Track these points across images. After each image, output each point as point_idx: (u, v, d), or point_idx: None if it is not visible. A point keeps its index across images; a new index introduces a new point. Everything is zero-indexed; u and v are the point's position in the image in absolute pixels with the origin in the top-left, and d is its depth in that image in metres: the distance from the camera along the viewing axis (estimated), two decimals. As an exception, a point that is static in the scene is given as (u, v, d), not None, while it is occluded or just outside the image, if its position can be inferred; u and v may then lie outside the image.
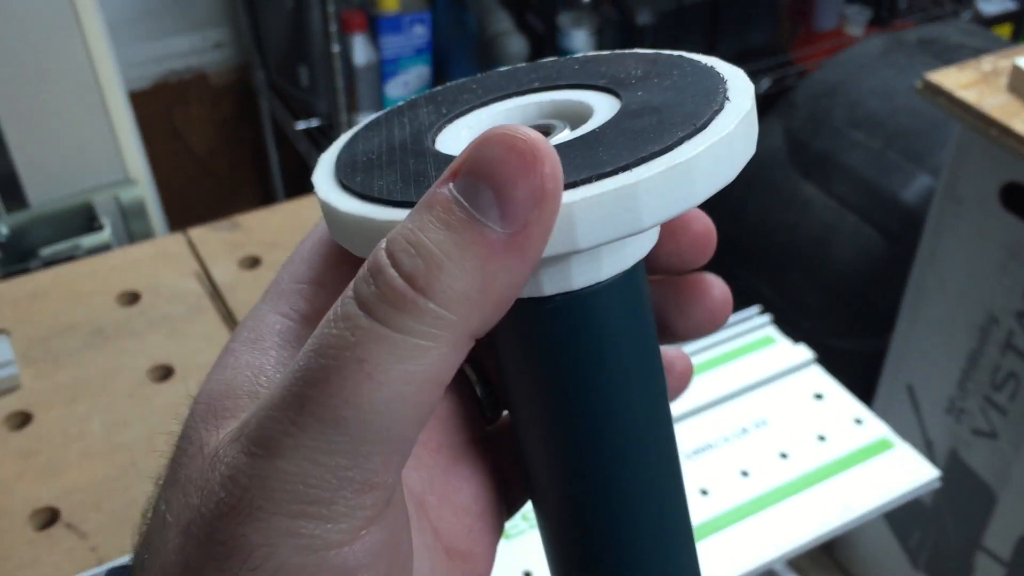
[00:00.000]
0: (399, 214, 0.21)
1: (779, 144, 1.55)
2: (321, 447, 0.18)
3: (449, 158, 0.23)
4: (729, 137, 0.21)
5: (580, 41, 1.59)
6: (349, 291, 0.19)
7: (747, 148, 0.22)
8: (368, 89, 1.55)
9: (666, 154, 0.20)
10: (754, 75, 1.70)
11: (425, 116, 0.26)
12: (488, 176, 0.19)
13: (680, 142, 0.21)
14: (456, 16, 1.56)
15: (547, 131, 0.24)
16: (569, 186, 0.20)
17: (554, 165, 0.19)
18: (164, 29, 1.66)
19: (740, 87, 0.23)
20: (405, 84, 1.58)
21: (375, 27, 1.52)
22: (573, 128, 0.24)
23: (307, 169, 1.69)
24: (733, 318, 0.77)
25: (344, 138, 0.27)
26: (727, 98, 0.22)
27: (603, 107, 0.24)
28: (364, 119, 0.27)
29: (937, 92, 1.03)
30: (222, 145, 1.82)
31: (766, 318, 0.77)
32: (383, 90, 1.57)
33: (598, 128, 0.23)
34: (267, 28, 1.64)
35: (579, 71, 0.26)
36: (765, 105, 1.69)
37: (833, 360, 0.86)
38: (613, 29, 1.58)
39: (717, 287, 0.27)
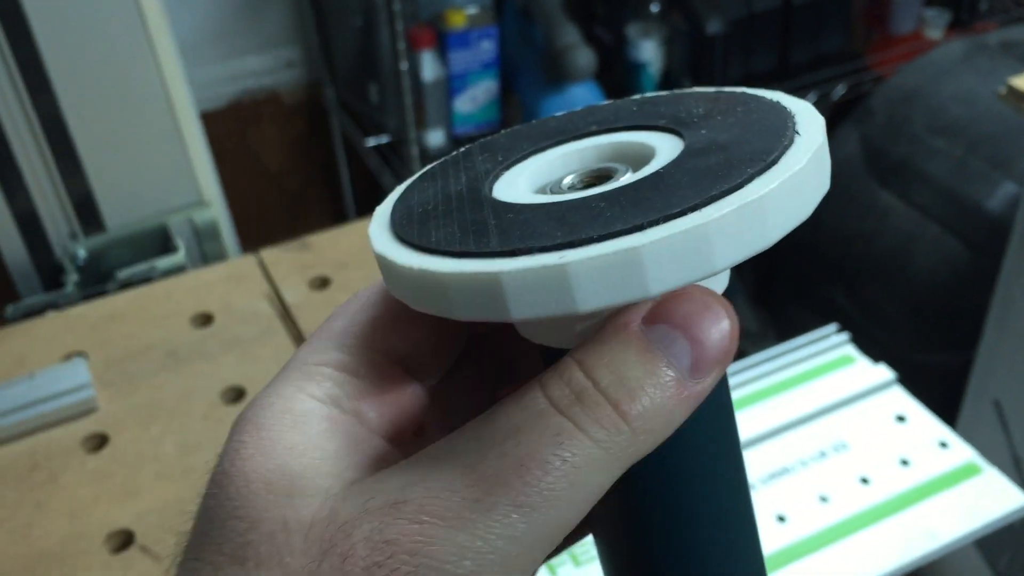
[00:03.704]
0: (458, 265, 0.20)
1: (856, 152, 1.52)
2: (503, 530, 0.20)
3: (508, 206, 0.22)
4: (802, 172, 0.20)
5: (649, 52, 1.57)
6: (536, 391, 0.21)
7: (821, 184, 0.21)
8: (436, 105, 1.56)
9: (736, 192, 0.20)
10: (828, 81, 1.66)
11: (481, 164, 0.25)
12: (687, 330, 0.21)
13: (750, 179, 0.20)
14: (523, 30, 1.56)
15: (609, 175, 0.23)
16: (636, 229, 0.19)
17: (737, 328, 0.21)
18: (237, 49, 1.69)
19: (809, 121, 0.22)
20: (473, 99, 1.58)
21: (443, 43, 1.52)
22: (635, 170, 0.23)
23: (378, 185, 1.71)
24: (810, 336, 0.75)
25: (399, 190, 0.26)
26: (796, 132, 0.21)
27: (665, 147, 0.23)
28: (418, 171, 0.27)
29: (1022, 98, 1.00)
30: (294, 162, 1.84)
31: (844, 336, 0.74)
32: (451, 105, 1.58)
33: (662, 169, 0.22)
34: (337, 47, 1.66)
35: (637, 112, 0.26)
36: (840, 112, 1.66)
37: (914, 375, 0.83)
38: (682, 39, 1.56)
39: None
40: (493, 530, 0.20)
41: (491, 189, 0.24)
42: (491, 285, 0.20)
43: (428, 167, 0.27)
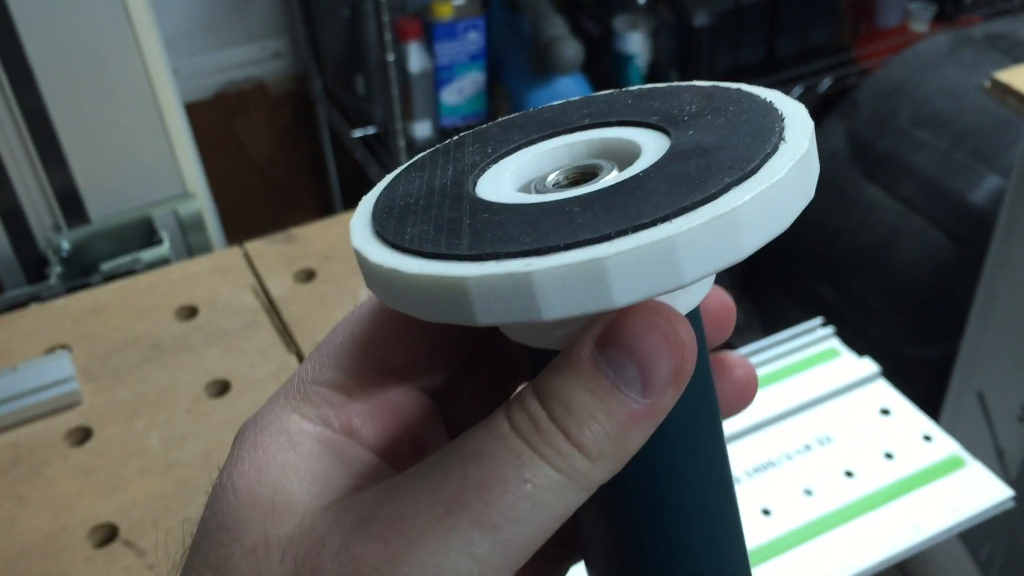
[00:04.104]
0: (426, 266, 0.20)
1: (842, 145, 1.52)
2: (464, 548, 0.20)
3: (486, 205, 0.22)
4: (781, 183, 0.19)
5: (636, 44, 1.57)
6: (501, 416, 0.21)
7: (803, 193, 0.21)
8: (423, 96, 1.55)
9: (709, 203, 0.19)
10: (815, 74, 1.66)
11: (470, 156, 0.25)
12: (633, 353, 0.21)
13: (726, 189, 0.19)
14: (510, 21, 1.56)
15: (595, 172, 0.23)
16: (603, 239, 0.19)
17: (692, 344, 0.21)
18: (223, 40, 1.68)
19: (798, 125, 0.21)
20: (460, 91, 1.58)
21: (430, 34, 1.52)
22: (621, 169, 0.23)
23: (364, 176, 1.70)
24: (795, 330, 0.75)
25: (386, 179, 0.26)
26: (782, 138, 0.21)
27: (652, 147, 0.23)
28: (405, 162, 0.26)
29: (1007, 91, 1.00)
30: (281, 153, 1.84)
31: (829, 330, 0.75)
32: (438, 97, 1.57)
33: (641, 172, 0.21)
34: (324, 37, 1.65)
35: (632, 106, 0.25)
36: (827, 105, 1.66)
37: (899, 367, 0.83)
38: (669, 31, 1.56)
39: (740, 367, 0.27)
40: (454, 548, 0.20)
41: (475, 184, 0.24)
42: (457, 290, 0.19)
43: (420, 155, 0.26)
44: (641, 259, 0.19)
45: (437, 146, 0.27)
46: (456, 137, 0.27)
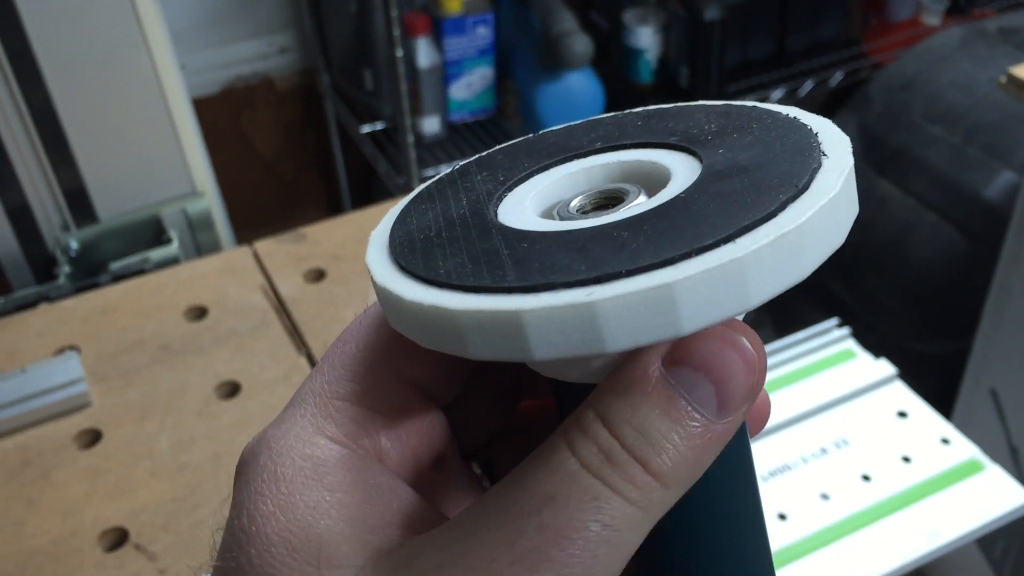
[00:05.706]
0: (473, 301, 0.19)
1: (854, 140, 1.50)
2: None
3: (520, 233, 0.21)
4: (837, 197, 0.19)
5: (646, 38, 1.56)
6: (565, 450, 0.20)
7: (852, 208, 0.20)
8: (432, 91, 1.55)
9: (770, 221, 0.18)
10: (826, 68, 1.65)
11: (481, 184, 0.24)
12: (709, 371, 0.19)
13: (783, 207, 0.18)
14: (519, 16, 1.55)
15: (620, 197, 0.22)
16: (666, 263, 0.18)
17: (764, 358, 0.20)
18: (231, 35, 1.67)
19: (834, 139, 0.21)
20: (469, 86, 1.57)
21: (438, 29, 1.51)
22: (650, 193, 0.22)
23: (372, 172, 1.70)
24: (811, 331, 0.74)
25: (393, 212, 0.24)
26: (823, 153, 0.20)
27: (681, 168, 0.22)
28: (412, 192, 0.25)
29: (1022, 87, 0.99)
30: (288, 148, 1.83)
31: (845, 331, 0.74)
32: (447, 92, 1.56)
33: (684, 193, 0.20)
34: (331, 32, 1.64)
35: (643, 128, 0.24)
36: (838, 99, 1.65)
37: (911, 364, 0.83)
38: (680, 25, 1.55)
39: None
40: None
41: (496, 213, 0.23)
42: (511, 324, 0.18)
43: (423, 187, 0.25)
44: (711, 283, 0.18)
45: (440, 176, 0.25)
46: (459, 166, 0.26)
